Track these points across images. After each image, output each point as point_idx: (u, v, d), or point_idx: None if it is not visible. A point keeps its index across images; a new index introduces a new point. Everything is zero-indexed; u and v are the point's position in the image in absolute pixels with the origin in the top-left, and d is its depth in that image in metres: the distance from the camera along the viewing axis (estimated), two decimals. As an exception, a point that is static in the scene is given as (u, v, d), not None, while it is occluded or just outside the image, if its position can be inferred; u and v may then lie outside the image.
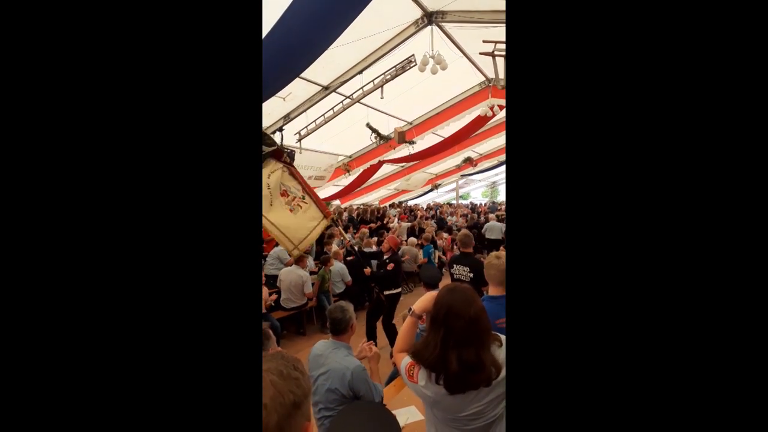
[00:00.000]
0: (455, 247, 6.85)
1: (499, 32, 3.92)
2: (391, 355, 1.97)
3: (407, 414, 1.82)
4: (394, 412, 1.47)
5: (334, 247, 5.26)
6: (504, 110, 7.29)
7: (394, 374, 2.27)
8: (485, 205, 14.34)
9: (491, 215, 8.85)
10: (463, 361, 0.97)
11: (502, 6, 3.69)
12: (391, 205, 10.44)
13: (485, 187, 18.57)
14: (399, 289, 3.93)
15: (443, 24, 4.23)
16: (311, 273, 4.53)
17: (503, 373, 1.00)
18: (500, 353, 1.03)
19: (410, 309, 1.20)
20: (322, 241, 5.65)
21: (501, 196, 18.56)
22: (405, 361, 1.10)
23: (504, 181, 17.03)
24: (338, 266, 4.73)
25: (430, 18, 4.10)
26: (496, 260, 1.71)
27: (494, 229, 7.40)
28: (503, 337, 1.07)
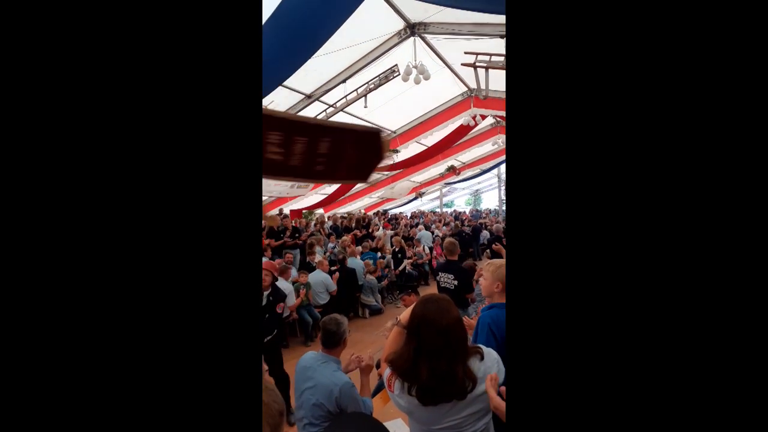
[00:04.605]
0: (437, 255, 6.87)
1: (481, 44, 4.02)
2: (378, 366, 1.93)
3: (394, 427, 1.77)
4: (380, 425, 1.43)
5: (318, 257, 5.18)
6: (486, 120, 7.44)
7: (381, 385, 2.23)
8: (468, 213, 14.50)
9: (487, 222, 8.83)
10: (434, 372, 0.96)
11: (484, 19, 3.78)
12: (375, 214, 10.42)
13: (469, 195, 18.82)
14: (272, 335, 2.84)
15: (426, 35, 4.30)
16: (293, 283, 4.41)
17: (482, 387, 0.98)
18: (479, 366, 1.01)
19: (397, 318, 1.20)
20: (304, 250, 5.56)
21: (484, 204, 18.86)
22: (387, 371, 1.09)
23: (486, 189, 17.38)
24: (321, 276, 4.59)
25: (413, 29, 4.17)
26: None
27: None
28: (486, 350, 1.05)
